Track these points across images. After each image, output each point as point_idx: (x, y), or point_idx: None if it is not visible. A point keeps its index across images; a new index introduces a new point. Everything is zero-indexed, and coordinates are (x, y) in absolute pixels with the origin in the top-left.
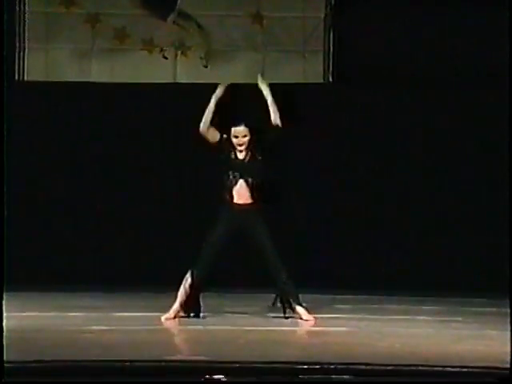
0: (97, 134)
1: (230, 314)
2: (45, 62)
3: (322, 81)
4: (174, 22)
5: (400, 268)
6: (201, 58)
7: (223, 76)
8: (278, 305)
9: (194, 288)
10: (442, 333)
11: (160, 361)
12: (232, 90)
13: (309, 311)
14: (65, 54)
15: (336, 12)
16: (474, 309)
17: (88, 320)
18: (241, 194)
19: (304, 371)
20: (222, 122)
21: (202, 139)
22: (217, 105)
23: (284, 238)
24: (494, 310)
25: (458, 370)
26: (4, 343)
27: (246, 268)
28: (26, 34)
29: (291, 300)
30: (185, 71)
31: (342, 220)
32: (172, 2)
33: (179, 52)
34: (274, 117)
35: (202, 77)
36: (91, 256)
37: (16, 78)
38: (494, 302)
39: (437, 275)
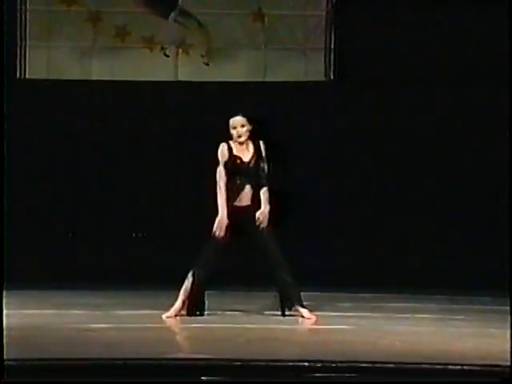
0: (98, 131)
1: (230, 312)
2: (46, 60)
3: (323, 79)
4: (175, 20)
5: (401, 266)
6: (202, 55)
7: (224, 74)
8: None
9: (196, 288)
10: (443, 331)
11: (160, 359)
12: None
13: (309, 309)
14: (66, 52)
15: (337, 10)
16: (475, 307)
17: (88, 318)
18: (244, 197)
19: (305, 369)
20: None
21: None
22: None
23: (284, 238)
24: (496, 308)
25: (459, 368)
26: (4, 341)
27: (246, 266)
28: (28, 32)
29: (293, 299)
30: (186, 69)
31: (342, 219)
32: (173, 0)
33: (180, 50)
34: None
35: (203, 75)
36: (91, 254)
37: (17, 75)
38: (496, 300)
39: (438, 273)
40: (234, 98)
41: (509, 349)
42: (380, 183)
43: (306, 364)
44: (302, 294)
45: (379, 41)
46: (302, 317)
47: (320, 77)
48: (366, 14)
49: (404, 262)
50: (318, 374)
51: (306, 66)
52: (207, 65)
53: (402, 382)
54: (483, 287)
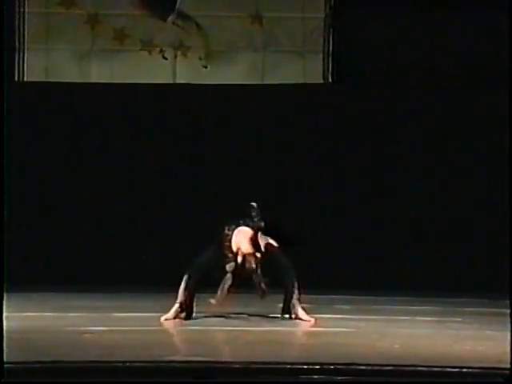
0: (96, 134)
1: (228, 315)
2: (44, 62)
3: (321, 81)
4: (173, 22)
5: (400, 268)
6: (200, 58)
7: (222, 76)
8: (280, 305)
9: (189, 291)
10: (442, 333)
11: (159, 361)
12: None
13: (308, 312)
14: (64, 55)
15: (336, 12)
16: (473, 309)
17: (88, 321)
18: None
19: (303, 371)
20: None
21: None
22: None
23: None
24: (494, 310)
25: (457, 370)
26: (4, 344)
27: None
28: (26, 35)
29: (293, 300)
30: (184, 72)
31: (341, 220)
32: (171, 2)
33: (179, 52)
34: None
35: (202, 77)
36: (91, 257)
37: (16, 78)
38: (494, 302)
39: (436, 276)
40: (232, 100)
41: (508, 351)
42: (379, 184)
43: (305, 366)
44: (301, 296)
45: (377, 43)
46: (300, 319)
47: (318, 79)
48: (365, 17)
49: (403, 264)
50: (316, 376)
51: (304, 68)
52: (205, 67)
53: None
54: (482, 289)
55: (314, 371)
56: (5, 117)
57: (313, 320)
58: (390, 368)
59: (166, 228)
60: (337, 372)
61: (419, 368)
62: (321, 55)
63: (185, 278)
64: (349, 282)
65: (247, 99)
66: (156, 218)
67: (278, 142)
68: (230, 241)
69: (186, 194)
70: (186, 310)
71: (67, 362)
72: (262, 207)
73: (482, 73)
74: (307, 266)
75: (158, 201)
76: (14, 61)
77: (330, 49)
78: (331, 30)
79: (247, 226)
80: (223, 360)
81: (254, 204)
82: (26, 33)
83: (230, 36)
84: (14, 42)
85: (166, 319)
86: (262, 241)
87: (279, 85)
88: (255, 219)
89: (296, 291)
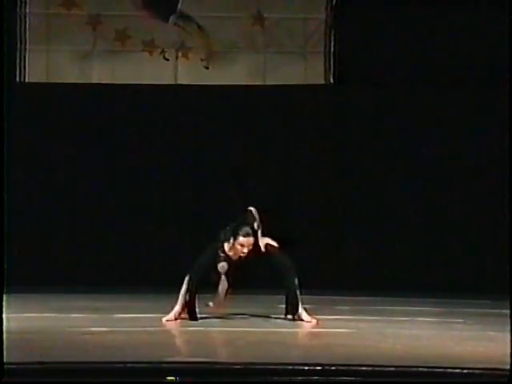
0: (98, 135)
1: (229, 316)
2: (46, 63)
3: (322, 82)
4: (175, 23)
5: (401, 269)
6: (201, 59)
7: (224, 77)
8: (281, 305)
9: (192, 292)
10: (444, 334)
11: (160, 362)
12: None
13: (309, 313)
14: (66, 56)
15: (337, 13)
16: (475, 310)
17: (88, 321)
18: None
19: (305, 372)
20: None
21: None
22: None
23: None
24: (496, 311)
25: (459, 371)
26: (4, 344)
27: (245, 269)
28: (27, 36)
29: (295, 300)
30: (186, 72)
31: (342, 221)
32: (173, 3)
33: (180, 53)
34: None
35: (203, 78)
36: (92, 257)
37: (17, 79)
38: (496, 303)
39: (438, 276)
40: (233, 101)
41: (509, 352)
42: (380, 185)
43: (306, 367)
44: (301, 297)
45: (379, 44)
46: (301, 320)
47: (320, 80)
48: (366, 18)
49: (404, 264)
50: (318, 378)
51: (305, 69)
52: (207, 68)
53: None
54: (483, 290)
55: (315, 372)
56: (6, 117)
57: (314, 321)
58: (392, 369)
59: (167, 228)
60: (338, 373)
61: (421, 369)
62: (322, 56)
63: (186, 279)
64: (350, 283)
65: (248, 100)
66: (158, 218)
67: (280, 143)
68: (223, 246)
69: (186, 194)
70: (190, 311)
71: (68, 363)
72: (261, 210)
73: (483, 73)
74: (308, 267)
75: (160, 201)
76: (16, 61)
77: (332, 50)
78: (332, 30)
79: (246, 234)
80: (224, 361)
81: (252, 209)
82: (27, 33)
83: (232, 37)
84: (16, 43)
85: (167, 320)
86: (262, 241)
87: (280, 86)
88: (255, 225)
89: (298, 292)
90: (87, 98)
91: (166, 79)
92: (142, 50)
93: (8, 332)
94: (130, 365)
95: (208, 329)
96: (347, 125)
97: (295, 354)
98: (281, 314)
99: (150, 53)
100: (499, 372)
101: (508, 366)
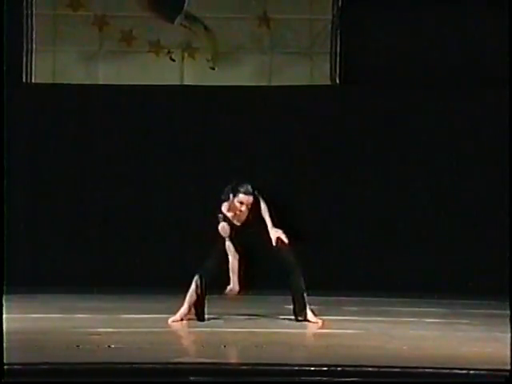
0: (104, 135)
1: (235, 316)
2: (52, 64)
3: (329, 83)
4: (181, 24)
5: (407, 270)
6: (208, 60)
7: (230, 78)
8: (287, 306)
9: (202, 292)
10: (450, 335)
11: (166, 363)
12: None
13: (316, 313)
14: (72, 57)
15: (343, 14)
16: (481, 311)
17: (95, 322)
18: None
19: (311, 373)
20: None
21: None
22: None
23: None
24: (502, 312)
25: (465, 372)
26: (4, 341)
27: (251, 270)
28: (34, 37)
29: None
30: (192, 73)
31: (348, 221)
32: (179, 4)
33: (186, 54)
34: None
35: (209, 79)
36: (97, 257)
37: (24, 80)
38: (502, 304)
39: (444, 277)
40: (239, 102)
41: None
42: (385, 185)
43: (313, 368)
44: (307, 297)
45: (385, 45)
46: (307, 320)
47: (326, 81)
48: (372, 18)
49: (410, 266)
50: (324, 378)
51: (311, 70)
52: (213, 69)
53: None
54: (490, 291)
55: (322, 373)
56: (12, 118)
57: (320, 322)
58: (398, 370)
59: (171, 230)
60: (344, 374)
61: (427, 370)
62: (328, 56)
63: (195, 279)
64: (356, 284)
65: (254, 101)
66: (161, 219)
67: (286, 144)
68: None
69: (191, 194)
70: (199, 312)
71: (74, 364)
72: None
73: (488, 73)
74: (315, 267)
75: (164, 201)
76: (22, 62)
77: (338, 50)
78: (339, 31)
79: (247, 192)
80: (230, 361)
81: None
82: (33, 34)
83: (238, 37)
84: (22, 44)
85: (173, 321)
86: (273, 233)
87: (287, 86)
88: (261, 206)
89: (305, 293)
90: (93, 98)
91: (172, 80)
92: (148, 51)
93: (14, 333)
94: (136, 365)
95: (214, 329)
96: (353, 125)
97: (301, 354)
98: (288, 315)
99: (156, 53)
100: (506, 373)
101: (508, 367)
